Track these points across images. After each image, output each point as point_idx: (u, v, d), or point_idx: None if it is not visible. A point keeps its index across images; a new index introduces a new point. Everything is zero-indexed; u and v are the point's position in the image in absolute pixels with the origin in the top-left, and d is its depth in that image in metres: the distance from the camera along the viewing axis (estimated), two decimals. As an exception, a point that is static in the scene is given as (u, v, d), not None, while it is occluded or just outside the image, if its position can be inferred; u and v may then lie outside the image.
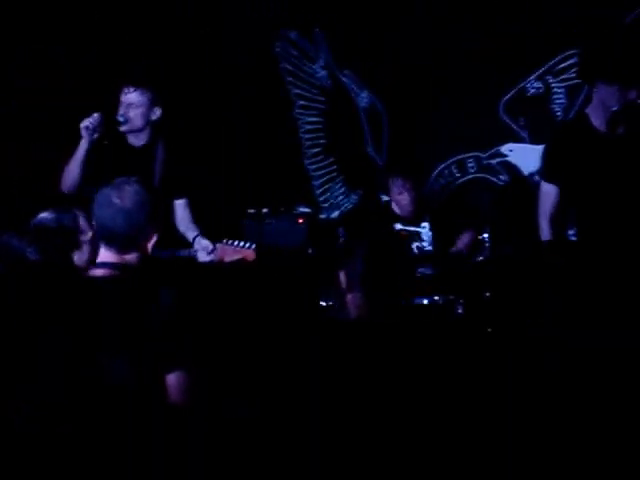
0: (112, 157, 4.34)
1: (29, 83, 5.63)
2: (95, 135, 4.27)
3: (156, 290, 2.63)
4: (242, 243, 4.15)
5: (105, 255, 2.70)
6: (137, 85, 4.41)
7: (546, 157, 4.55)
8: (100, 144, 4.35)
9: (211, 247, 4.19)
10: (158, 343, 2.55)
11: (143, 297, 2.60)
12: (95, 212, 2.72)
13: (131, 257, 2.69)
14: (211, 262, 4.22)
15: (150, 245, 2.74)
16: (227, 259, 4.14)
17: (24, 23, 5.61)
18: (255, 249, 4.09)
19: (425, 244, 5.44)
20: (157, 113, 4.44)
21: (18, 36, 5.61)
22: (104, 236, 2.70)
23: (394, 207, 5.55)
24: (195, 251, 4.28)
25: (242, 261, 4.13)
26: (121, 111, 4.38)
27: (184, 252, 4.31)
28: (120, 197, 2.66)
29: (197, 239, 4.36)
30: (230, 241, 4.16)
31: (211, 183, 6.00)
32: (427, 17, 6.11)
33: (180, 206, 4.56)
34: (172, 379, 2.57)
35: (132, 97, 4.38)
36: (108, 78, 5.25)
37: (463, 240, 5.43)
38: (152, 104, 4.42)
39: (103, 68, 5.74)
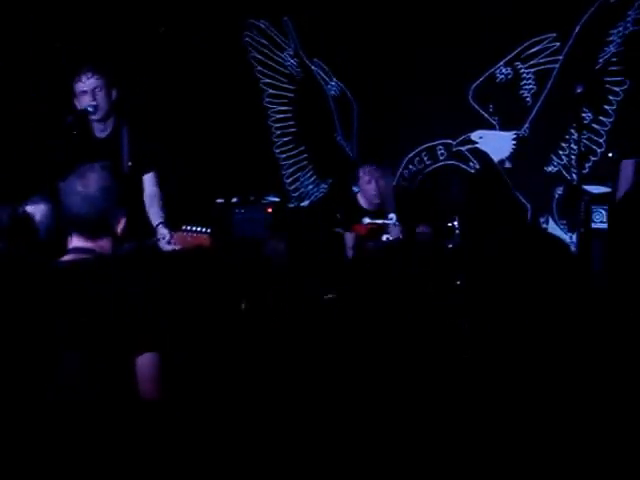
0: (79, 151, 4.38)
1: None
2: None
3: (128, 273, 2.67)
4: (198, 228, 4.15)
5: (76, 241, 2.74)
6: (93, 70, 4.50)
7: None
8: (68, 137, 4.39)
9: (169, 237, 4.19)
10: (130, 325, 2.55)
11: (115, 279, 2.63)
12: (62, 201, 2.76)
13: (103, 242, 2.75)
14: (173, 251, 4.22)
15: (120, 228, 2.79)
16: (185, 246, 4.15)
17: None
18: (210, 234, 4.09)
19: (393, 237, 5.36)
20: (114, 94, 4.56)
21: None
22: (74, 224, 2.75)
23: (360, 200, 5.48)
24: (157, 240, 4.28)
25: (199, 248, 4.13)
26: (87, 100, 4.42)
27: (148, 242, 4.30)
28: (84, 185, 2.72)
29: (158, 228, 4.39)
30: (188, 227, 4.16)
31: (180, 172, 5.96)
32: (396, 4, 6.08)
33: (148, 181, 4.57)
34: (144, 360, 2.57)
35: (93, 82, 4.47)
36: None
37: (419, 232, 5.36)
38: (110, 86, 4.52)
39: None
